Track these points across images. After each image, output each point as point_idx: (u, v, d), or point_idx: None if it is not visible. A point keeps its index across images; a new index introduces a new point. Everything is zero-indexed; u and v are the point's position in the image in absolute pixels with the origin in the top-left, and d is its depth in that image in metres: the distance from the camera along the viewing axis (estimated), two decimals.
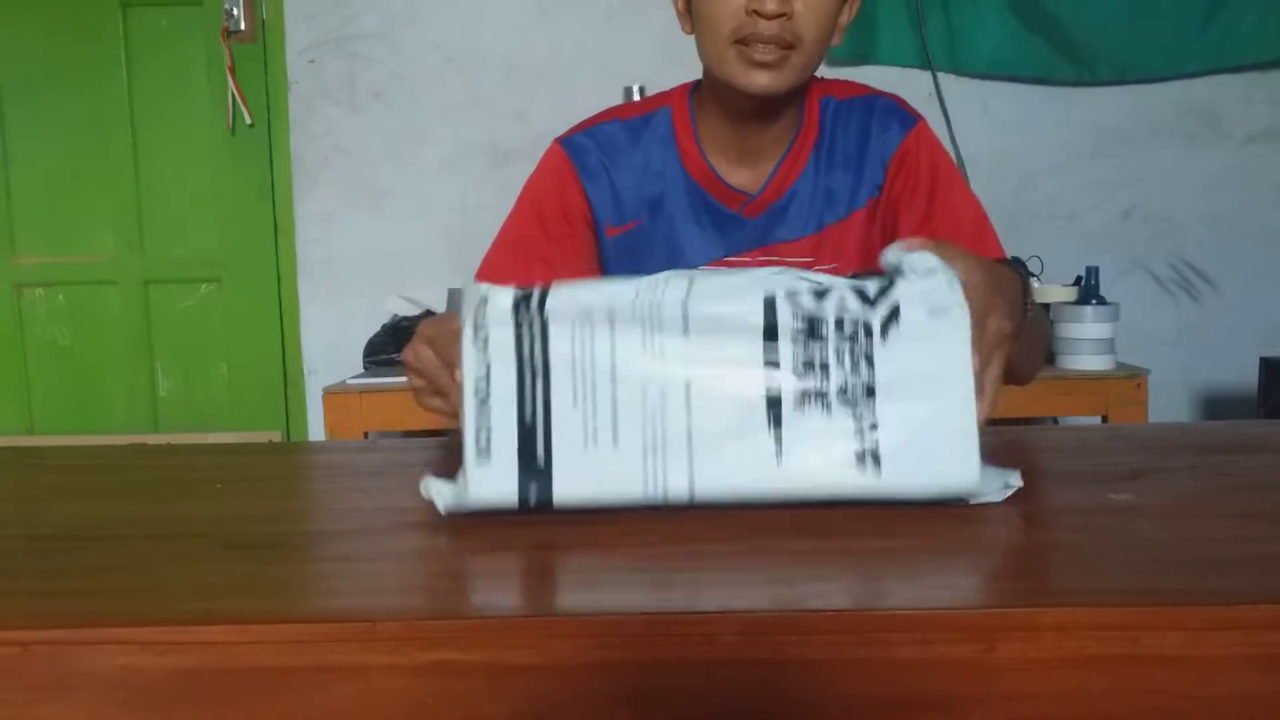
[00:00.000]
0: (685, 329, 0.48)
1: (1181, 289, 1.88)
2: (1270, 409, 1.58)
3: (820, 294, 0.48)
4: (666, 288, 0.49)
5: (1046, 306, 1.60)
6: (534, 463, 0.47)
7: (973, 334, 0.48)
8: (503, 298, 0.49)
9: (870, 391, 0.47)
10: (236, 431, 1.96)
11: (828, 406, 0.47)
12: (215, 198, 1.94)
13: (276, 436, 1.97)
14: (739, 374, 0.47)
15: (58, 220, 1.95)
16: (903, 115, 0.83)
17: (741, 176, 0.83)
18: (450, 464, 0.59)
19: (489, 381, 0.48)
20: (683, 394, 0.47)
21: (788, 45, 0.73)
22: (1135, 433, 0.73)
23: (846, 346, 0.47)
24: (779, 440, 0.46)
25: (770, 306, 0.48)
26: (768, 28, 0.72)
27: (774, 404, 0.47)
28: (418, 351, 0.56)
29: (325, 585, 0.42)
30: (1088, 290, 1.55)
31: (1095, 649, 0.34)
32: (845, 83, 0.86)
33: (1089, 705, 0.35)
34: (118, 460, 0.74)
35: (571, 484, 0.47)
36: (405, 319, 1.71)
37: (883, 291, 0.48)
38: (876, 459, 0.46)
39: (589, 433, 0.47)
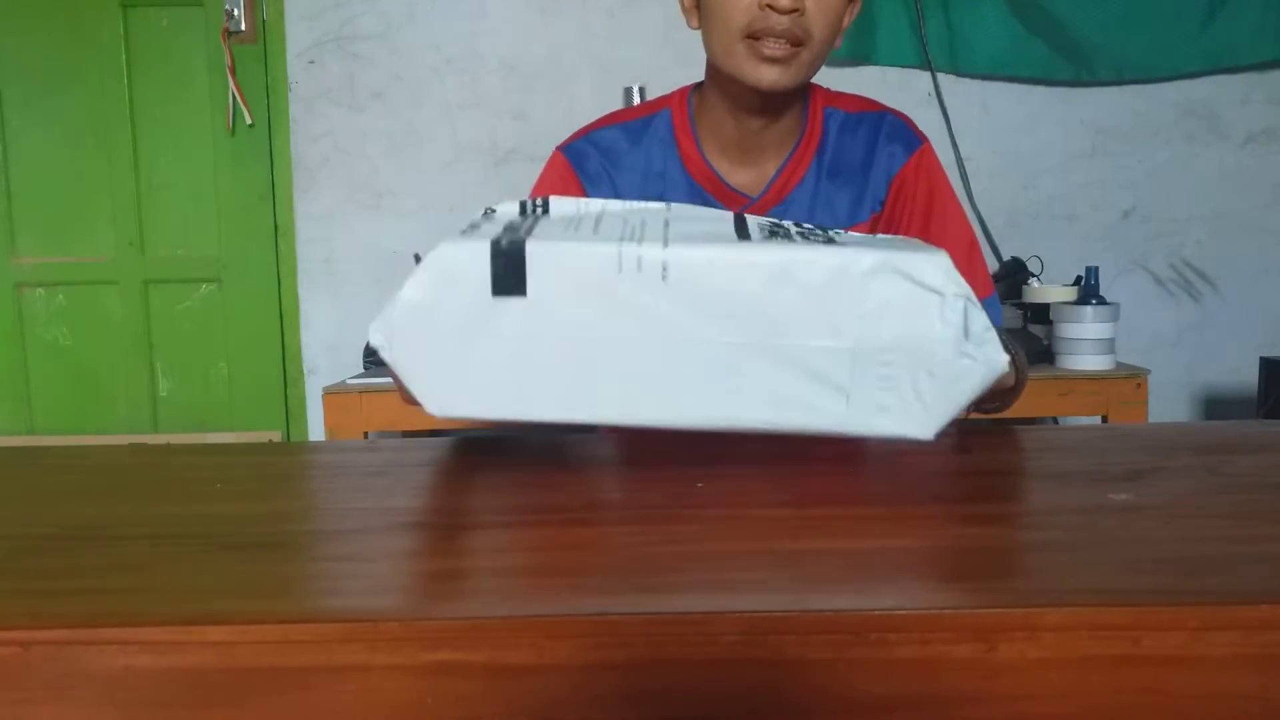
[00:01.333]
0: (668, 208, 0.54)
1: (1181, 289, 1.89)
2: (1270, 409, 1.58)
3: (780, 218, 0.58)
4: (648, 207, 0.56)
5: (1046, 307, 1.60)
6: (515, 231, 0.48)
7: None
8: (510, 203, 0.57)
9: (830, 241, 0.52)
10: (236, 431, 1.96)
11: (791, 240, 0.51)
12: (215, 198, 1.94)
13: (276, 436, 1.97)
14: (712, 226, 0.53)
15: (58, 220, 1.95)
16: (909, 136, 0.83)
17: (742, 177, 0.83)
18: (449, 464, 0.59)
19: (485, 216, 0.53)
20: (661, 222, 0.50)
21: (798, 42, 0.73)
22: (1135, 433, 0.73)
23: (806, 233, 0.53)
24: (747, 240, 0.50)
25: (741, 221, 0.54)
26: (779, 22, 0.72)
27: (743, 235, 0.51)
28: None
29: (326, 585, 0.42)
30: (1088, 290, 1.55)
31: (1095, 649, 0.35)
32: (853, 96, 0.86)
33: (1089, 705, 0.35)
34: (118, 460, 0.74)
35: (546, 247, 0.46)
36: None
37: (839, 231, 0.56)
38: (842, 241, 0.50)
39: (571, 227, 0.50)
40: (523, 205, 0.56)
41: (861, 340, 0.47)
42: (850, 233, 0.59)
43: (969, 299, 0.48)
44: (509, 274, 0.45)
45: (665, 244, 0.46)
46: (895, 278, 0.46)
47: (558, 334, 0.46)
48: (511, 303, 0.46)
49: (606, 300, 0.46)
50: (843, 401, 0.48)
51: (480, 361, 0.47)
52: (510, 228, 0.49)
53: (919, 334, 0.47)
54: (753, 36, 0.73)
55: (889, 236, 0.65)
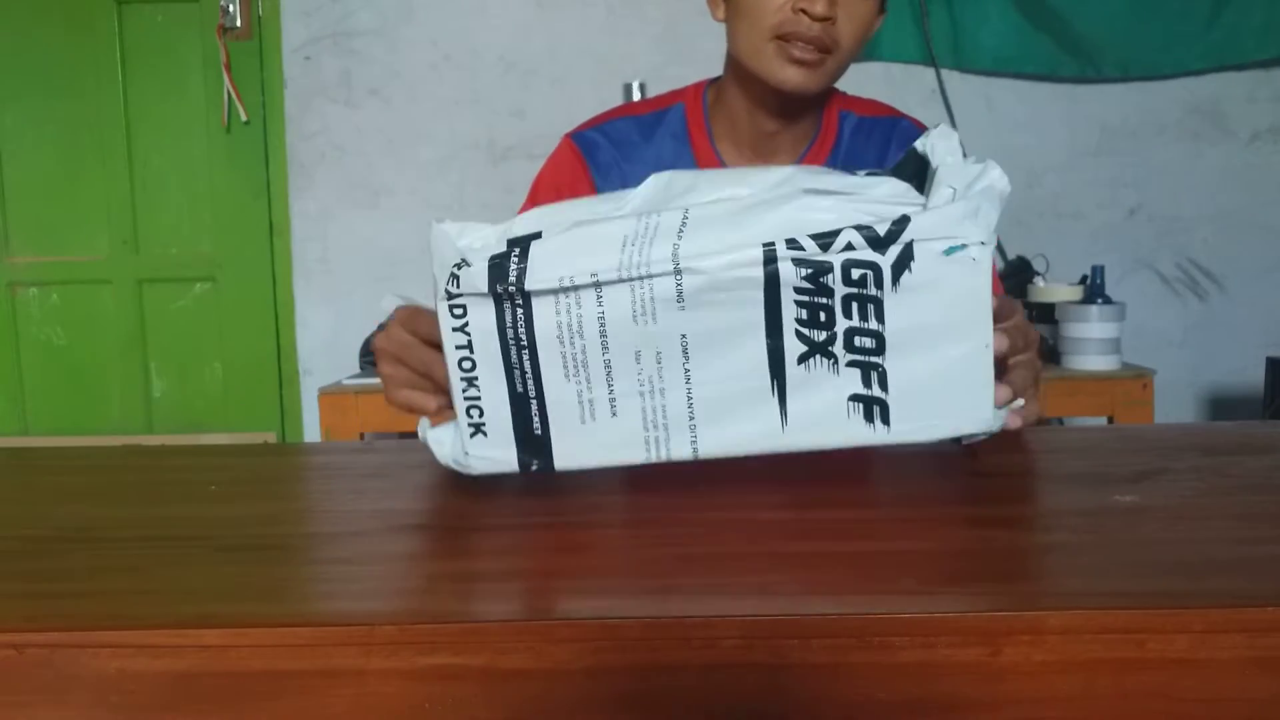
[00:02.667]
0: (679, 295, 0.44)
1: (1188, 288, 1.88)
2: (1277, 409, 1.58)
3: (825, 240, 0.44)
4: (658, 231, 0.44)
5: (1052, 306, 1.60)
6: (531, 435, 0.47)
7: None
8: (478, 269, 0.44)
9: (880, 344, 0.45)
10: (231, 432, 1.96)
11: (834, 363, 0.45)
12: (210, 196, 1.94)
13: (271, 437, 1.96)
14: (738, 336, 0.45)
15: (52, 219, 1.95)
16: None
17: None
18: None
19: (473, 355, 0.46)
20: (680, 361, 0.45)
21: (826, 49, 0.73)
22: (1140, 434, 0.73)
23: (854, 295, 0.44)
24: (784, 403, 0.45)
25: (771, 257, 0.43)
26: (811, 28, 0.72)
27: (777, 365, 0.45)
28: (391, 333, 0.53)
29: (322, 588, 0.42)
30: (1093, 289, 1.55)
31: (1100, 652, 0.34)
32: (868, 100, 0.86)
33: (1094, 709, 0.34)
34: (112, 461, 0.74)
35: (572, 454, 0.47)
36: None
37: (895, 230, 0.44)
38: (885, 416, 0.45)
39: (585, 406, 0.46)
40: (495, 293, 0.44)
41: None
42: (912, 275, 0.44)
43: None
44: (538, 472, 0.48)
45: (694, 441, 0.46)
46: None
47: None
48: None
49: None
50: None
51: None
52: (518, 404, 0.46)
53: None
54: (783, 38, 0.73)
55: (956, 298, 0.45)
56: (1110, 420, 1.51)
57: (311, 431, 1.93)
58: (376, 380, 1.79)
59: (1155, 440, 0.67)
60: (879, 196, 0.47)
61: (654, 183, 0.48)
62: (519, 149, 1.88)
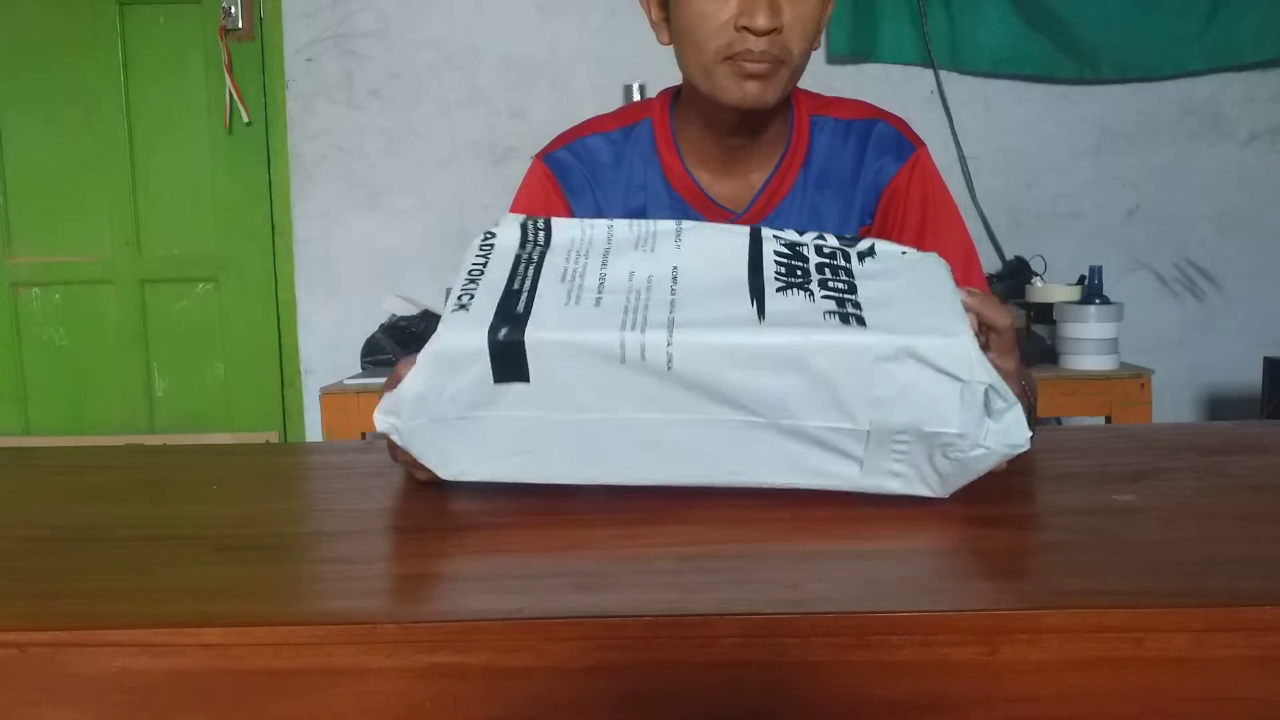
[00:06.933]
0: (678, 235, 0.54)
1: (1185, 288, 1.88)
2: (1274, 409, 1.58)
3: (800, 230, 0.55)
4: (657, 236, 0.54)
5: (1050, 307, 1.60)
6: (512, 312, 0.47)
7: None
8: (513, 223, 0.55)
9: (852, 288, 0.50)
10: (233, 432, 1.96)
11: (810, 294, 0.49)
12: (212, 197, 1.94)
13: (273, 437, 1.97)
14: (723, 271, 0.51)
15: (54, 219, 1.95)
16: (900, 143, 0.81)
17: (725, 188, 0.81)
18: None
19: (485, 269, 0.51)
20: (668, 278, 0.50)
21: (779, 60, 0.72)
22: (1138, 433, 0.73)
23: (826, 263, 0.52)
24: (761, 306, 0.48)
25: (755, 232, 0.54)
26: (758, 44, 0.70)
27: (757, 289, 0.49)
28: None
29: (323, 587, 0.42)
30: (1091, 290, 1.55)
31: (1098, 651, 0.34)
32: (845, 102, 0.83)
33: (1092, 707, 0.35)
34: (114, 461, 0.74)
35: (545, 327, 0.46)
36: (403, 319, 1.71)
37: (857, 237, 0.56)
38: (860, 319, 0.47)
39: (572, 295, 0.49)
40: (524, 228, 0.55)
41: (876, 423, 0.45)
42: (875, 260, 0.53)
43: (991, 386, 0.45)
44: (509, 365, 0.46)
45: (670, 328, 0.45)
46: (912, 364, 0.44)
47: (564, 415, 0.46)
48: (515, 387, 0.46)
49: (611, 386, 0.46)
50: (855, 468, 0.47)
51: (490, 435, 0.48)
52: (509, 296, 0.48)
53: (936, 422, 0.45)
54: (731, 59, 0.72)
55: (918, 276, 0.52)
56: (1108, 420, 1.52)
57: (313, 431, 1.93)
58: (377, 380, 1.77)
59: (1153, 440, 0.67)
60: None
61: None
62: (519, 150, 1.88)
